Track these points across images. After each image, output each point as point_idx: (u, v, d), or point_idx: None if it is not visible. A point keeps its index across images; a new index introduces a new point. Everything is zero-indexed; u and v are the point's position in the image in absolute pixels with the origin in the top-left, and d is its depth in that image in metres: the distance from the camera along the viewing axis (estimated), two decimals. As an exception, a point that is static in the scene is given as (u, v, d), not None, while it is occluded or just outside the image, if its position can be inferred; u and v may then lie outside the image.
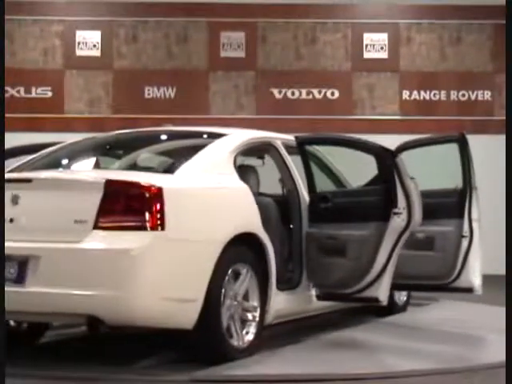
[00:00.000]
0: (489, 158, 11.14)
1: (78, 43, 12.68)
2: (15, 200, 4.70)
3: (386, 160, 5.63)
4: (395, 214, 5.49)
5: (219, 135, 5.67)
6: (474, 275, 6.38)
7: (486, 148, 11.39)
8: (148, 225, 4.46)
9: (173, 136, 6.19)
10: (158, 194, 4.51)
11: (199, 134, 6.01)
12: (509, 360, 4.11)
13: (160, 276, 4.51)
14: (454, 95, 12.89)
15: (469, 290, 6.42)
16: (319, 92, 12.83)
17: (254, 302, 5.21)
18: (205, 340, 4.83)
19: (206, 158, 5.27)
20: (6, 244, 4.56)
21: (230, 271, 4.97)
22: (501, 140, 6.63)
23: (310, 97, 12.82)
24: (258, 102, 12.80)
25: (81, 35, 12.69)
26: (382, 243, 5.52)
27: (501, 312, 7.52)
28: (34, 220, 4.70)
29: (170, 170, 5.08)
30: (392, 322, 7.13)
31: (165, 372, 4.77)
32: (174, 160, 5.53)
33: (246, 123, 10.54)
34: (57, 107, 12.57)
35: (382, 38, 12.92)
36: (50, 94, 12.63)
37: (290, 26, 12.89)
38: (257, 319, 5.20)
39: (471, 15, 12.86)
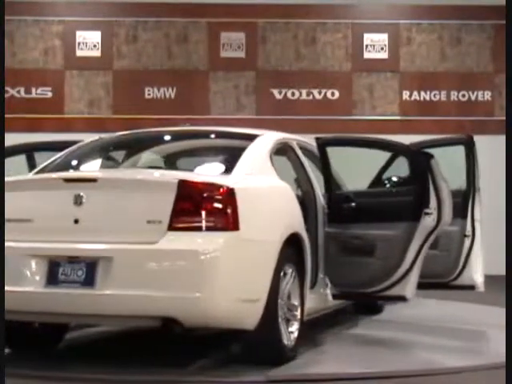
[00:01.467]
0: (489, 159, 11.13)
1: (78, 43, 12.69)
2: (78, 200, 4.56)
3: (421, 162, 5.70)
4: (426, 214, 5.58)
5: (252, 136, 5.63)
6: (476, 273, 6.46)
7: (486, 148, 11.38)
8: (223, 225, 4.45)
9: (203, 136, 6.10)
10: (231, 194, 4.52)
11: (228, 135, 5.99)
12: (509, 360, 4.11)
13: (234, 276, 4.49)
14: (454, 95, 12.89)
15: (471, 288, 6.51)
16: (319, 92, 12.83)
17: (296, 300, 5.24)
18: (264, 340, 4.81)
19: (252, 158, 5.27)
20: (73, 246, 4.52)
21: (282, 271, 5.01)
22: (501, 140, 6.63)
23: (310, 97, 12.82)
24: (258, 102, 12.80)
25: (81, 35, 12.70)
26: (411, 242, 5.60)
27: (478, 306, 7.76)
28: (102, 221, 4.57)
29: (224, 170, 5.06)
30: (389, 319, 7.21)
31: (233, 373, 4.71)
32: (220, 161, 5.49)
33: (246, 123, 10.54)
34: (57, 107, 12.57)
35: (382, 38, 12.92)
36: (50, 94, 12.64)
37: (290, 26, 12.89)
38: (298, 318, 5.23)
39: (471, 15, 12.86)
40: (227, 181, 4.66)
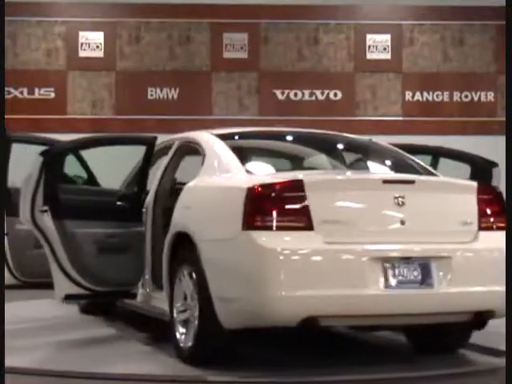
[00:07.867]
0: (491, 159, 11.11)
1: (81, 44, 12.70)
2: (400, 201, 4.70)
3: (484, 170, 6.49)
4: None
5: (361, 140, 6.06)
6: None
7: (489, 149, 11.36)
8: (502, 226, 4.93)
9: (333, 139, 6.25)
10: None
11: (348, 138, 6.21)
12: (509, 360, 4.11)
13: None
14: (456, 96, 12.88)
15: None
16: (322, 93, 12.83)
17: None
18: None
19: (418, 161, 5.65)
20: (406, 246, 4.68)
21: None
22: (503, 141, 6.63)
23: (313, 98, 12.83)
24: (260, 103, 12.80)
25: (84, 36, 12.71)
26: None
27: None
28: (425, 221, 4.79)
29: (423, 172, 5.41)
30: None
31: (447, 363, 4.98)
32: (401, 165, 5.67)
33: (249, 124, 10.55)
34: (60, 108, 12.59)
35: (385, 38, 12.93)
36: (52, 94, 12.65)
37: (293, 26, 12.89)
38: None
39: (474, 16, 12.86)
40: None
